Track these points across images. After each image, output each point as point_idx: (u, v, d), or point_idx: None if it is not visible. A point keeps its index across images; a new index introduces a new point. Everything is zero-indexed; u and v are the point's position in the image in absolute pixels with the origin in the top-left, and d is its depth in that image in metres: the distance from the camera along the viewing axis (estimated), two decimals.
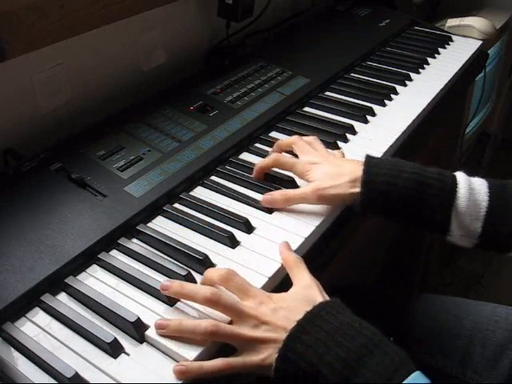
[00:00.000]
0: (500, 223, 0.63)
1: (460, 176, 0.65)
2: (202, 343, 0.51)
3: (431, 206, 0.63)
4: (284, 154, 0.75)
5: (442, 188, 0.63)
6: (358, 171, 0.65)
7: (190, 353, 0.50)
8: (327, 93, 0.97)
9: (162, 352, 0.51)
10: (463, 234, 0.64)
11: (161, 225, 0.65)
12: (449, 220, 0.63)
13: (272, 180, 0.72)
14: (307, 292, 0.55)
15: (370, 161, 0.66)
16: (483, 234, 0.63)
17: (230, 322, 0.53)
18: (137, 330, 0.51)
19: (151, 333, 0.52)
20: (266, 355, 0.50)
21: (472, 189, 0.63)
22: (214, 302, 0.52)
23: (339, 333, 0.49)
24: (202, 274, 0.57)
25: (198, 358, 0.50)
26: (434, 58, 1.12)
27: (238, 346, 0.52)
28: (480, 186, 0.64)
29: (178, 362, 0.49)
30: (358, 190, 0.65)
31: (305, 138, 0.75)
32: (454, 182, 0.63)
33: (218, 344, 0.52)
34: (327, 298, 0.55)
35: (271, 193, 0.67)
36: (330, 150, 0.76)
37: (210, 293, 0.52)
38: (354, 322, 0.51)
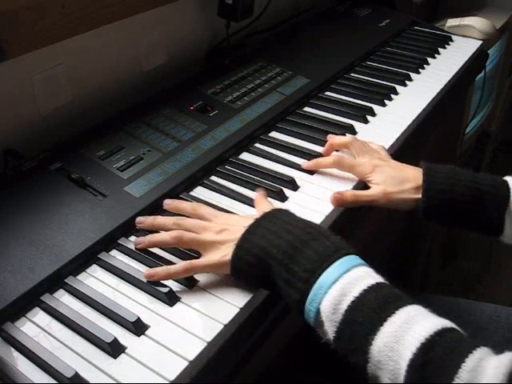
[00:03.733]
0: None
1: (511, 181, 0.69)
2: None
3: (487, 211, 0.67)
4: (341, 154, 0.79)
5: (496, 194, 0.68)
6: (420, 178, 0.69)
7: (188, 353, 0.50)
8: (327, 93, 0.97)
9: (162, 351, 0.50)
10: None
11: None
12: (503, 223, 0.68)
13: (272, 180, 0.73)
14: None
15: (428, 168, 0.70)
16: None
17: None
18: (137, 330, 0.52)
19: (152, 332, 0.52)
20: (226, 252, 0.56)
21: None
22: (180, 236, 0.58)
23: (290, 225, 0.55)
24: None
25: (195, 360, 0.50)
26: (434, 57, 1.12)
27: (202, 251, 0.58)
28: None
29: (176, 361, 0.49)
30: (419, 196, 0.68)
31: (359, 139, 0.79)
32: (507, 187, 0.68)
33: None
34: None
35: (341, 192, 0.69)
36: (371, 144, 0.78)
37: (175, 231, 0.59)
38: (304, 219, 0.57)
